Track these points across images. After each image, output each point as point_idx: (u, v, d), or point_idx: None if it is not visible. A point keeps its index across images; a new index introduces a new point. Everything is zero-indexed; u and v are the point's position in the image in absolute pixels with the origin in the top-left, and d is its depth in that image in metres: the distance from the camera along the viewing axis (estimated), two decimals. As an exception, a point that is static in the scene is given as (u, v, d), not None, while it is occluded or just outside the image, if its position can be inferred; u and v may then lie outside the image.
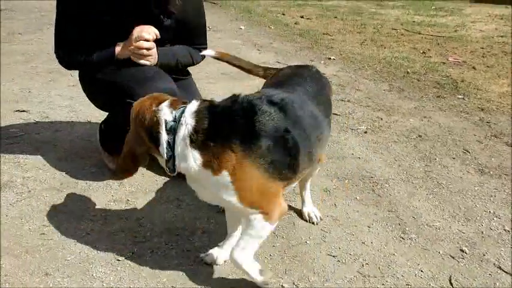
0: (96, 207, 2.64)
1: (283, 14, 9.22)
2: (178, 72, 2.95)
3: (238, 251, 1.90)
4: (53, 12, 2.77)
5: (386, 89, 4.89)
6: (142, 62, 2.63)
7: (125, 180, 2.91)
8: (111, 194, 2.78)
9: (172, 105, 1.92)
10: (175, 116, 1.87)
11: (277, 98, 1.94)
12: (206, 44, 2.98)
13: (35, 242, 2.36)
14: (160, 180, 2.94)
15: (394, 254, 2.33)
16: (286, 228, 2.51)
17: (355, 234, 2.49)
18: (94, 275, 2.15)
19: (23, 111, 3.97)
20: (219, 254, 2.22)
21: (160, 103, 1.94)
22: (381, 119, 4.08)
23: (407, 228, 2.54)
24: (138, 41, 2.56)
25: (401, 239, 2.45)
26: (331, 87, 2.46)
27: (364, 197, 2.85)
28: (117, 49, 2.64)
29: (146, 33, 2.57)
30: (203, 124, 1.81)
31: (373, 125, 3.94)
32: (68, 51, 2.74)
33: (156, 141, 1.89)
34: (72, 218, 2.55)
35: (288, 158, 1.86)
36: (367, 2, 11.13)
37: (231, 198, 1.84)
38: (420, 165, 3.25)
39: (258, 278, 1.93)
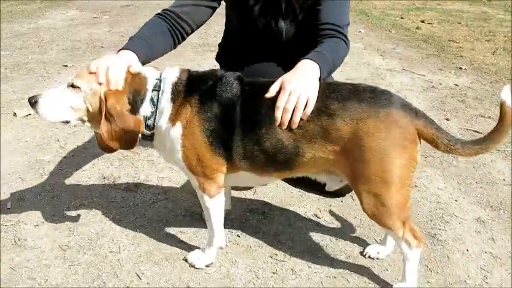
0: (232, 216, 2.53)
1: (402, 18, 8.76)
2: None
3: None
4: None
5: (530, 106, 4.40)
6: None
7: (259, 190, 2.80)
8: (246, 204, 2.67)
9: (155, 68, 2.05)
10: (160, 75, 1.99)
11: (248, 80, 1.99)
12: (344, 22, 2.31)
13: (174, 249, 2.29)
14: (296, 193, 2.78)
15: None
16: (441, 262, 2.25)
17: (520, 277, 2.18)
18: (237, 293, 2.03)
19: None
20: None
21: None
22: (530, 140, 3.65)
23: None
24: None
25: None
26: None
27: (525, 232, 2.51)
28: None
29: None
30: (182, 82, 1.96)
31: (521, 147, 3.53)
32: None
33: (138, 101, 1.95)
34: (209, 226, 2.47)
35: (225, 133, 1.91)
36: (493, 8, 10.34)
37: (178, 155, 1.98)
38: None
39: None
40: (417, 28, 7.84)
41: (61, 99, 1.92)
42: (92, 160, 3.10)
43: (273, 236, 2.40)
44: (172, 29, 2.22)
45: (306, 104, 1.84)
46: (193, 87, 1.96)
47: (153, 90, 1.96)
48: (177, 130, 1.94)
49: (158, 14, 2.27)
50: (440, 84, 4.91)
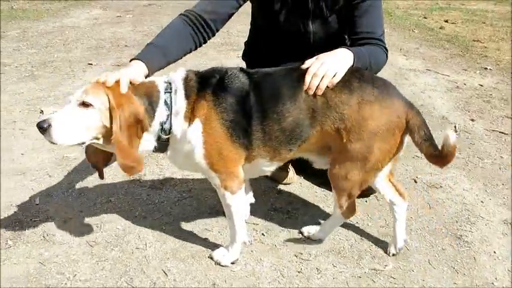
0: (256, 214, 2.55)
1: (425, 18, 8.67)
2: None
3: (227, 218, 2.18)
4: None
5: (558, 107, 4.33)
6: None
7: (284, 189, 2.81)
8: (270, 203, 2.68)
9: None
10: (167, 78, 2.01)
11: (252, 70, 2.09)
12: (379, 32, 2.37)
13: (199, 247, 2.32)
14: (320, 192, 2.78)
15: None
16: (467, 263, 2.23)
17: (548, 280, 2.15)
18: (262, 291, 2.05)
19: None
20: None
21: None
22: (557, 142, 3.59)
23: None
24: None
25: None
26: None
27: (553, 235, 2.47)
28: None
29: None
30: (192, 79, 1.99)
31: (548, 149, 3.47)
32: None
33: (153, 104, 1.93)
34: (234, 224, 2.48)
35: (243, 120, 1.96)
36: (519, 7, 10.16)
37: (199, 154, 1.97)
38: None
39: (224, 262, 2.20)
40: (441, 28, 7.76)
41: (74, 120, 1.81)
42: (118, 158, 3.14)
43: (297, 235, 2.41)
44: (195, 32, 2.22)
45: (334, 76, 2.00)
46: (204, 84, 1.99)
47: (165, 93, 1.95)
48: (196, 128, 1.94)
49: (182, 14, 2.25)
50: (465, 84, 4.86)
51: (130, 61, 2.06)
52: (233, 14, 2.37)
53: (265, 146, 2.02)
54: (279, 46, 2.50)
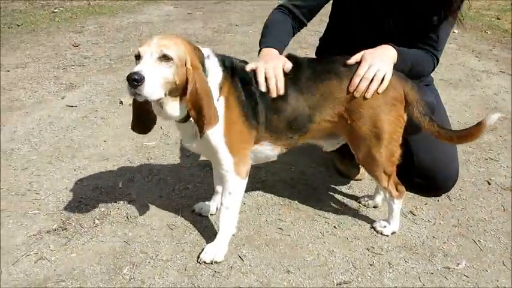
0: (328, 208, 2.61)
1: (499, 18, 8.38)
2: None
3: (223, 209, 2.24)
4: (263, 6, 2.82)
5: None
6: None
7: (354, 183, 2.86)
8: (341, 197, 2.73)
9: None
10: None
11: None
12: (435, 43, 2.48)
13: (273, 235, 2.40)
14: (391, 189, 2.80)
15: None
16: (544, 267, 2.20)
17: None
18: (335, 281, 2.10)
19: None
20: (206, 207, 2.56)
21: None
22: None
23: None
24: None
25: None
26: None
27: None
28: None
29: None
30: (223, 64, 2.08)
31: None
32: None
33: None
34: (306, 216, 2.55)
35: (250, 100, 2.10)
36: None
37: (219, 132, 2.05)
38: None
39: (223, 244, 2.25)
40: (515, 29, 7.48)
41: (159, 74, 1.81)
42: (193, 148, 3.28)
43: (369, 230, 2.45)
44: (293, 22, 2.50)
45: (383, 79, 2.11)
46: (224, 68, 2.09)
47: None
48: (220, 104, 2.03)
49: (278, 9, 2.52)
50: (542, 88, 4.69)
51: (260, 51, 2.34)
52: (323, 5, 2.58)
53: (269, 130, 2.18)
54: (357, 43, 2.54)
